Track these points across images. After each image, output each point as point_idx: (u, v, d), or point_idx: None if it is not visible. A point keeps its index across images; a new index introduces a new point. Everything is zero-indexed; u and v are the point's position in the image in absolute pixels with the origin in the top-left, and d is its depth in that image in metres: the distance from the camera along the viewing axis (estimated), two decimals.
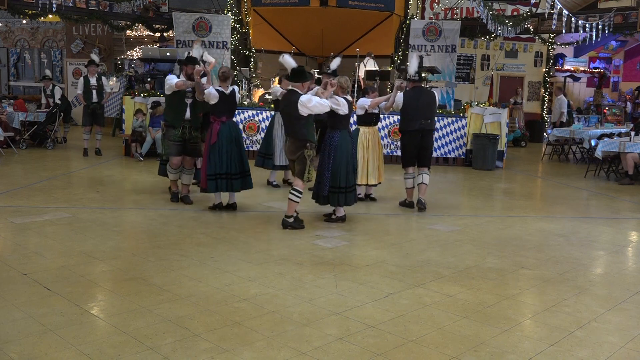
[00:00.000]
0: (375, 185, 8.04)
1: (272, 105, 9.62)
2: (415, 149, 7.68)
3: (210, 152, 6.90)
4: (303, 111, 6.25)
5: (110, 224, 6.44)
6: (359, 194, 7.94)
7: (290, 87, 6.53)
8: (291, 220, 6.47)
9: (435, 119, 8.77)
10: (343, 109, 6.59)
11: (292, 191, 6.44)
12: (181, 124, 7.24)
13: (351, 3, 15.16)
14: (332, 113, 6.56)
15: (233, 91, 7.07)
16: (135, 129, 11.72)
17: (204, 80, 7.04)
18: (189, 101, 7.22)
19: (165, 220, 6.68)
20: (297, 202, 6.45)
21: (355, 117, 8.06)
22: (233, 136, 7.00)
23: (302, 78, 6.41)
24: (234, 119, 7.37)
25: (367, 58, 14.67)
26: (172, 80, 7.13)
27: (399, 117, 8.62)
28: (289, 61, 6.47)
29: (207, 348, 3.49)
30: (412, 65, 7.69)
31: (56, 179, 9.17)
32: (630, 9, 14.07)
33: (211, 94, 6.85)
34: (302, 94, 6.31)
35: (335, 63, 7.73)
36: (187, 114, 7.26)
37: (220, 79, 7.01)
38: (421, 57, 13.86)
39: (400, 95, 7.59)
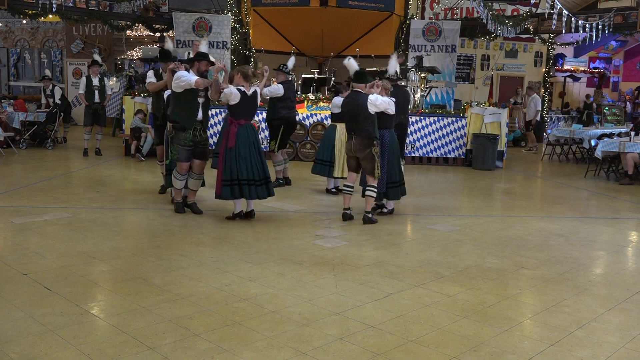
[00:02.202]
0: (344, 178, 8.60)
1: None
2: None
3: (227, 156, 6.50)
4: (372, 109, 6.66)
5: (110, 224, 6.44)
6: (332, 189, 8.71)
7: (355, 89, 6.89)
8: (370, 215, 6.86)
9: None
10: (392, 109, 6.91)
11: (369, 188, 6.85)
12: (193, 126, 6.74)
13: (351, 3, 15.16)
14: (382, 113, 6.86)
15: (255, 92, 6.71)
16: (133, 126, 11.71)
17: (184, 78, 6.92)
18: (201, 100, 6.73)
19: (165, 220, 6.68)
20: (374, 197, 6.90)
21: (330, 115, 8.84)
22: (251, 140, 6.59)
23: (365, 79, 6.86)
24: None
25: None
26: (188, 77, 6.48)
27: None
28: (353, 64, 6.86)
29: (207, 348, 3.49)
30: (392, 66, 8.06)
31: (56, 179, 9.17)
32: (630, 9, 14.08)
33: (233, 94, 6.43)
34: (365, 94, 6.73)
35: (291, 62, 8.79)
36: (200, 115, 6.78)
37: (243, 78, 6.58)
38: (421, 57, 13.94)
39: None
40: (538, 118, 15.69)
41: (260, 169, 6.63)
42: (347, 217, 6.97)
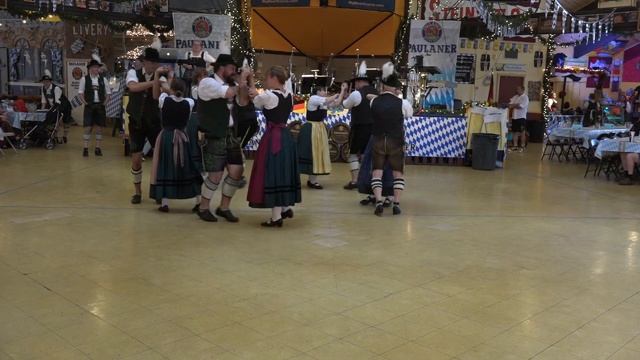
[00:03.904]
0: (327, 174, 9.10)
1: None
2: (367, 139, 8.41)
3: (270, 162, 6.21)
4: (403, 112, 7.33)
5: (110, 224, 6.44)
6: (316, 183, 9.18)
7: (385, 92, 7.42)
8: (398, 206, 7.42)
9: None
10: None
11: (397, 181, 7.40)
12: (226, 133, 6.42)
13: (351, 3, 15.17)
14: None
15: (289, 94, 6.49)
16: None
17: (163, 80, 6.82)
18: (230, 106, 6.41)
19: (165, 220, 6.68)
20: (402, 190, 7.49)
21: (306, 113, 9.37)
22: (292, 144, 6.42)
23: (397, 83, 7.54)
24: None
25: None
26: (218, 87, 6.15)
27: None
28: (389, 69, 7.46)
29: (207, 348, 3.49)
30: (362, 68, 8.84)
31: (56, 179, 9.17)
32: (630, 9, 14.09)
33: (271, 98, 6.17)
34: (398, 98, 7.39)
35: (207, 56, 9.14)
36: (231, 121, 6.46)
37: (279, 81, 6.32)
38: (421, 57, 13.96)
39: (357, 94, 8.42)
40: (524, 116, 15.64)
41: (296, 174, 6.46)
42: (381, 210, 7.32)
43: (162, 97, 6.93)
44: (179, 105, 6.89)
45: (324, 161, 8.88)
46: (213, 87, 6.17)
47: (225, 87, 6.17)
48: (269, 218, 6.55)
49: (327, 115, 11.12)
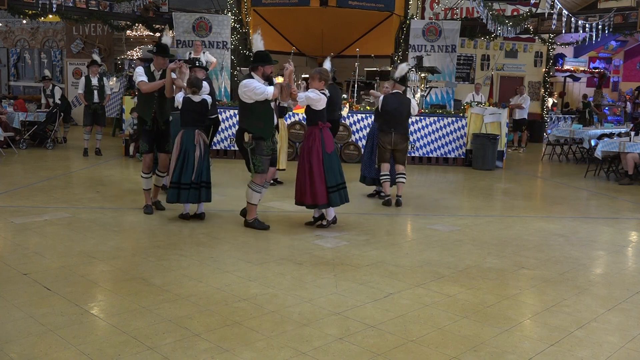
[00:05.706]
0: (283, 169, 9.21)
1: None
2: (335, 134, 8.88)
3: (327, 161, 6.24)
4: (412, 111, 7.88)
5: (110, 224, 6.44)
6: (277, 178, 9.17)
7: (395, 90, 7.88)
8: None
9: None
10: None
11: (402, 175, 7.87)
12: (271, 134, 6.26)
13: (351, 3, 15.17)
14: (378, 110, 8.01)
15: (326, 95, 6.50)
16: (133, 127, 11.66)
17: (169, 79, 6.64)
18: (273, 104, 6.26)
19: (165, 220, 6.68)
20: (404, 183, 8.00)
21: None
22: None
23: (405, 83, 8.07)
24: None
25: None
26: (263, 88, 5.96)
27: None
28: (404, 68, 7.90)
29: (207, 348, 3.49)
30: (327, 64, 8.95)
31: (56, 179, 9.17)
32: (630, 9, 14.10)
33: (322, 98, 6.21)
34: (407, 96, 7.90)
35: (205, 57, 9.32)
36: (275, 121, 6.38)
37: (324, 81, 6.33)
38: (421, 57, 13.97)
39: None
40: (525, 116, 15.64)
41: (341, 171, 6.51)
42: (389, 202, 7.78)
43: (180, 97, 6.62)
44: (198, 104, 6.62)
45: (281, 157, 8.92)
46: (258, 89, 5.96)
47: (271, 89, 6.00)
48: (325, 220, 6.52)
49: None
